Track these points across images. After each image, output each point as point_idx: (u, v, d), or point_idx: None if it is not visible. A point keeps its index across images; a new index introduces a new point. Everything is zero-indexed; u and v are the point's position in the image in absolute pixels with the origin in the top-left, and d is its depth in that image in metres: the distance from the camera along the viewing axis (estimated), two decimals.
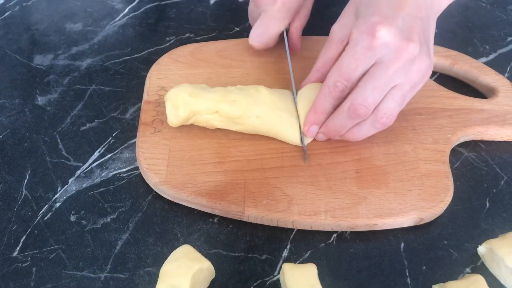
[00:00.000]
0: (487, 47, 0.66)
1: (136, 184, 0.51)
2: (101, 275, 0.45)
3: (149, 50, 0.64)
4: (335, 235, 0.48)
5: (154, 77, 0.57)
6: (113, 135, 0.55)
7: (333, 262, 0.46)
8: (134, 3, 0.71)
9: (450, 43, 0.64)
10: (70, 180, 0.51)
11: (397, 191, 0.48)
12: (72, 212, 0.49)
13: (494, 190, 0.51)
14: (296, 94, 0.53)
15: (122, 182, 0.51)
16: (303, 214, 0.47)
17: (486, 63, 0.62)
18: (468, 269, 0.46)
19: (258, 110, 0.50)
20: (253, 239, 0.48)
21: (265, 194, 0.48)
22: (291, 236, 0.48)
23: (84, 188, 0.51)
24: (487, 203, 0.51)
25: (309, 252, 0.47)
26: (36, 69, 0.62)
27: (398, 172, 0.50)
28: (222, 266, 0.46)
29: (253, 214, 0.47)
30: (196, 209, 0.49)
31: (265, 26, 0.56)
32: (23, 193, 0.50)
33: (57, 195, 0.50)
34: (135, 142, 0.54)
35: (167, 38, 0.66)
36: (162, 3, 0.71)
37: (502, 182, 0.52)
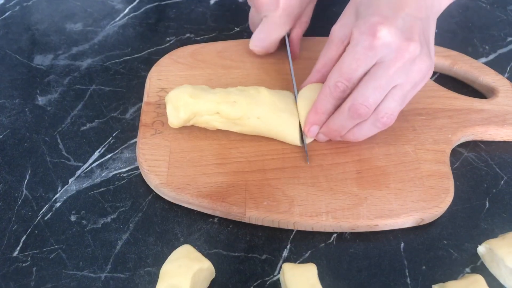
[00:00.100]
0: (487, 47, 0.66)
1: (136, 184, 0.51)
2: (101, 275, 0.45)
3: (149, 50, 0.64)
4: (335, 235, 0.48)
5: (154, 78, 0.57)
6: (113, 135, 0.55)
7: (333, 262, 0.47)
8: (134, 3, 0.71)
9: (450, 43, 0.64)
10: (70, 180, 0.52)
11: (398, 192, 0.49)
12: (73, 212, 0.49)
13: (494, 190, 0.52)
14: (297, 93, 0.53)
15: (122, 182, 0.52)
16: (304, 215, 0.47)
17: (486, 63, 0.62)
18: (468, 269, 0.46)
19: (258, 111, 0.50)
20: (253, 239, 0.48)
21: (266, 196, 0.48)
22: (291, 236, 0.48)
23: (85, 188, 0.51)
24: (487, 203, 0.51)
25: (309, 252, 0.47)
26: (37, 69, 0.62)
27: (399, 173, 0.50)
28: (222, 266, 0.46)
29: (254, 215, 0.47)
30: (196, 209, 0.49)
31: (267, 32, 0.56)
32: (24, 193, 0.50)
33: (57, 195, 0.50)
34: (135, 142, 0.54)
35: (167, 38, 0.66)
36: (162, 3, 0.71)
37: (502, 182, 0.52)
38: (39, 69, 0.62)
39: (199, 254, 0.42)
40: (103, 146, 0.54)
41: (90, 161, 0.53)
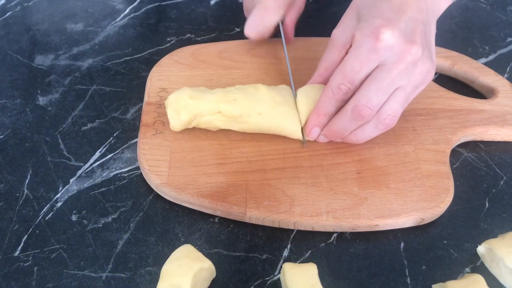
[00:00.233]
0: (486, 47, 0.66)
1: (137, 184, 0.52)
2: (102, 274, 0.45)
3: (150, 51, 0.64)
4: (335, 235, 0.48)
5: (155, 78, 0.57)
6: (114, 135, 0.55)
7: (333, 261, 0.47)
8: (135, 4, 0.71)
9: (450, 43, 0.65)
10: (71, 180, 0.52)
11: (398, 192, 0.49)
12: (74, 211, 0.49)
13: (494, 190, 0.52)
14: (295, 91, 0.53)
15: (123, 182, 0.52)
16: (304, 215, 0.47)
17: (486, 64, 0.62)
18: (467, 269, 0.46)
19: (258, 107, 0.51)
20: (254, 239, 0.48)
21: (267, 195, 0.48)
22: (292, 236, 0.48)
23: (85, 188, 0.51)
24: (487, 203, 0.51)
25: (309, 251, 0.47)
26: (37, 69, 0.62)
27: (399, 173, 0.50)
28: (223, 266, 0.46)
29: (255, 215, 0.47)
30: (197, 209, 0.50)
31: (261, 17, 0.57)
32: (25, 193, 0.51)
33: (58, 195, 0.50)
34: (136, 142, 0.54)
35: (168, 39, 0.66)
36: (163, 3, 0.71)
37: (502, 182, 0.52)
38: (40, 69, 0.62)
39: (199, 254, 0.43)
40: (104, 146, 0.54)
41: (91, 161, 0.53)
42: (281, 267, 0.46)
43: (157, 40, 0.66)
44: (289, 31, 0.59)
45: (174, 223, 0.49)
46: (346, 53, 0.48)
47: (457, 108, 0.56)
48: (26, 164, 0.53)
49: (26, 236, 0.48)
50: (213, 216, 0.49)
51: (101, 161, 0.53)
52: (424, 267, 0.46)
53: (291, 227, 0.48)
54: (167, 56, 0.60)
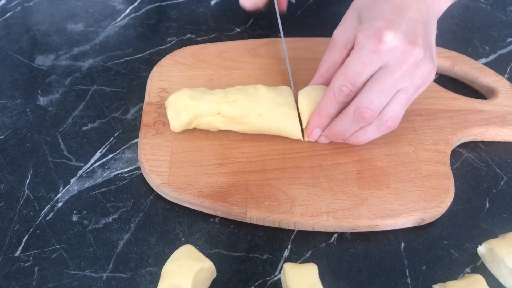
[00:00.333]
0: (487, 48, 0.66)
1: (138, 184, 0.52)
2: (103, 274, 0.45)
3: (150, 51, 0.64)
4: (335, 235, 0.48)
5: (156, 79, 0.58)
6: (115, 135, 0.55)
7: (333, 262, 0.47)
8: (135, 4, 0.71)
9: (450, 44, 0.65)
10: (72, 180, 0.52)
11: (398, 192, 0.49)
12: (74, 212, 0.49)
13: (494, 191, 0.52)
14: (297, 92, 0.53)
15: (124, 182, 0.52)
16: (305, 215, 0.47)
17: (486, 64, 0.62)
18: (468, 269, 0.46)
19: (259, 108, 0.51)
20: (254, 239, 0.48)
21: (267, 196, 0.48)
22: (292, 236, 0.48)
23: (86, 188, 0.51)
24: (487, 203, 0.51)
25: (310, 252, 0.47)
26: (38, 70, 0.62)
27: (399, 173, 0.50)
28: (224, 266, 0.46)
29: (255, 215, 0.47)
30: (197, 209, 0.50)
31: None
32: (25, 193, 0.51)
33: (59, 195, 0.51)
34: (136, 143, 0.54)
35: (168, 39, 0.66)
36: (163, 3, 0.71)
37: (502, 182, 0.52)
38: (40, 70, 0.62)
39: (200, 254, 0.43)
40: (104, 146, 0.55)
41: (92, 161, 0.53)
42: (281, 267, 0.46)
43: (158, 40, 0.66)
44: (283, 1, 0.59)
45: (174, 223, 0.49)
46: (348, 53, 0.48)
47: (457, 109, 0.56)
48: (26, 164, 0.53)
49: (26, 236, 0.48)
50: (214, 216, 0.49)
51: (102, 161, 0.53)
52: (424, 267, 0.46)
53: (292, 227, 0.48)
54: (167, 56, 0.60)
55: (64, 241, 0.47)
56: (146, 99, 0.56)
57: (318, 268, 0.42)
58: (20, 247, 0.47)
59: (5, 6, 0.70)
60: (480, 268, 0.46)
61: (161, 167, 0.50)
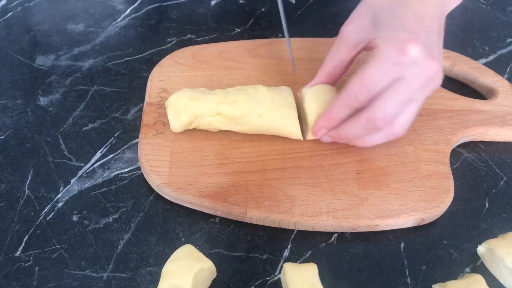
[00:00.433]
0: (486, 48, 0.66)
1: (138, 184, 0.52)
2: (103, 274, 0.45)
3: (150, 51, 0.64)
4: (335, 235, 0.48)
5: (156, 79, 0.58)
6: (115, 135, 0.56)
7: (333, 261, 0.47)
8: (136, 4, 0.71)
9: (450, 44, 0.65)
10: (72, 180, 0.52)
11: (398, 192, 0.49)
12: (75, 212, 0.49)
13: (494, 191, 0.52)
14: (302, 92, 0.52)
15: (124, 182, 0.52)
16: (305, 215, 0.47)
17: (485, 64, 0.62)
18: (467, 269, 0.46)
19: (259, 109, 0.51)
20: (254, 239, 0.48)
21: (267, 196, 0.48)
22: (292, 236, 0.48)
23: (86, 188, 0.51)
24: (487, 203, 0.51)
25: (310, 252, 0.47)
26: (38, 70, 0.62)
27: (399, 173, 0.50)
28: (224, 266, 0.46)
29: (255, 215, 0.47)
30: (197, 209, 0.50)
31: None
32: (26, 193, 0.51)
33: (59, 195, 0.51)
34: (137, 143, 0.54)
35: (169, 39, 0.66)
36: (164, 4, 0.71)
37: (502, 182, 0.52)
38: (41, 70, 0.62)
39: (200, 254, 0.43)
40: (105, 146, 0.55)
41: (92, 161, 0.53)
42: (281, 267, 0.46)
43: (158, 40, 0.66)
44: None
45: (175, 223, 0.49)
46: (357, 53, 0.47)
47: (457, 109, 0.56)
48: (27, 165, 0.53)
49: (27, 236, 0.48)
50: (214, 216, 0.49)
51: (102, 161, 0.53)
52: (424, 267, 0.46)
53: (292, 227, 0.48)
54: (167, 56, 0.60)
55: (65, 241, 0.47)
56: (147, 99, 0.56)
57: (318, 268, 0.43)
58: (21, 247, 0.47)
59: (6, 6, 0.70)
60: (479, 268, 0.46)
61: (162, 167, 0.50)
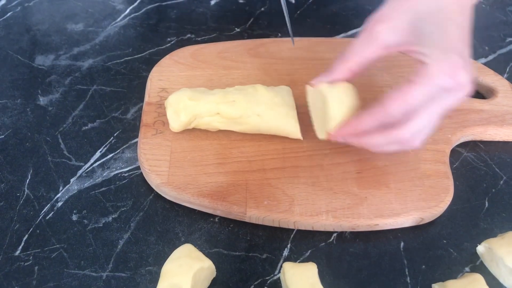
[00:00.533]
0: (486, 48, 0.66)
1: (138, 183, 0.52)
2: (103, 274, 0.45)
3: (150, 51, 0.64)
4: (335, 234, 0.48)
5: (155, 78, 0.58)
6: (115, 135, 0.56)
7: (333, 261, 0.47)
8: (135, 4, 0.71)
9: None
10: (71, 180, 0.52)
11: (398, 192, 0.49)
12: (74, 211, 0.49)
13: (493, 190, 0.52)
14: (319, 88, 0.49)
15: (124, 181, 0.52)
16: (304, 214, 0.47)
17: (485, 64, 0.62)
18: (467, 268, 0.46)
19: (258, 109, 0.51)
20: (254, 239, 0.48)
21: (267, 195, 0.48)
22: (292, 236, 0.48)
23: (86, 188, 0.51)
24: (486, 202, 0.51)
25: (309, 251, 0.47)
26: (38, 70, 0.62)
27: (399, 173, 0.50)
28: (223, 265, 0.46)
29: (255, 214, 0.47)
30: (197, 209, 0.50)
31: None
32: (25, 193, 0.51)
33: (59, 195, 0.51)
34: (136, 142, 0.54)
35: (168, 39, 0.66)
36: (163, 4, 0.71)
37: (501, 182, 0.52)
38: (40, 70, 0.62)
39: (200, 254, 0.43)
40: (104, 146, 0.55)
41: (92, 161, 0.53)
42: (281, 266, 0.46)
43: (158, 40, 0.66)
44: None
45: (174, 223, 0.49)
46: (387, 54, 0.44)
47: (456, 108, 0.56)
48: (26, 164, 0.53)
49: (26, 236, 0.48)
50: (213, 216, 0.49)
51: (102, 161, 0.53)
52: (423, 266, 0.46)
53: (291, 227, 0.48)
54: (167, 56, 0.60)
55: (64, 241, 0.47)
56: (146, 99, 0.56)
57: (318, 268, 0.43)
58: (20, 247, 0.47)
59: (5, 6, 0.70)
60: (479, 268, 0.46)
61: (161, 166, 0.50)
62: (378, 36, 0.44)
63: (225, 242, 0.48)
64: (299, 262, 0.46)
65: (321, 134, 0.49)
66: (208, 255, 0.43)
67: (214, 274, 0.45)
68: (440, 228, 0.49)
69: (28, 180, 0.52)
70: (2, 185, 0.51)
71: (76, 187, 0.51)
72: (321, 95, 0.47)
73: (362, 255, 0.47)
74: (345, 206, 0.48)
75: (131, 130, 0.56)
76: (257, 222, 0.48)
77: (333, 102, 0.46)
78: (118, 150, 0.54)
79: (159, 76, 0.58)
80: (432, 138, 0.53)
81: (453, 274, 0.46)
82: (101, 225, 0.49)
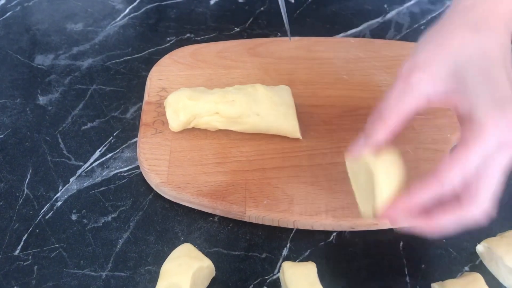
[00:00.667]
0: None
1: (137, 183, 0.52)
2: (102, 273, 0.45)
3: (149, 50, 0.64)
4: (334, 234, 0.48)
5: (155, 78, 0.58)
6: (114, 134, 0.56)
7: (332, 260, 0.47)
8: (135, 4, 0.71)
9: None
10: (71, 179, 0.52)
11: None
12: (73, 211, 0.49)
13: None
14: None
15: (123, 181, 0.52)
16: (304, 214, 0.47)
17: None
18: (467, 268, 0.46)
19: (257, 108, 0.51)
20: (253, 238, 0.48)
21: (266, 194, 0.48)
22: (291, 235, 0.48)
23: (85, 187, 0.51)
24: None
25: (308, 250, 0.47)
26: (37, 69, 0.62)
27: None
28: (223, 265, 0.46)
29: (254, 214, 0.47)
30: (196, 208, 0.50)
31: None
32: (25, 192, 0.51)
33: (58, 194, 0.51)
34: (136, 142, 0.54)
35: (168, 38, 0.66)
36: (163, 3, 0.71)
37: None
38: (40, 69, 0.62)
39: (199, 253, 0.43)
40: (104, 145, 0.55)
41: (91, 160, 0.53)
42: (280, 266, 0.46)
43: (157, 40, 0.66)
44: None
45: (173, 222, 0.49)
46: (426, 104, 0.40)
47: None
48: (26, 164, 0.53)
49: (26, 235, 0.48)
50: (213, 215, 0.49)
51: (101, 160, 0.53)
52: (423, 266, 0.46)
53: (291, 226, 0.48)
54: (166, 55, 0.60)
55: (64, 240, 0.47)
56: (146, 98, 0.56)
57: (317, 267, 0.43)
58: (20, 246, 0.47)
59: (5, 5, 0.70)
60: (478, 267, 0.46)
61: (160, 166, 0.50)
62: (417, 86, 0.39)
63: (224, 242, 0.48)
64: (298, 262, 0.46)
65: (367, 210, 0.42)
66: (207, 254, 0.43)
67: (213, 273, 0.45)
68: None
69: (27, 180, 0.52)
70: (1, 184, 0.51)
71: (75, 187, 0.51)
72: (365, 166, 0.41)
73: (362, 255, 0.47)
74: (344, 206, 0.48)
75: (130, 130, 0.56)
76: (256, 222, 0.48)
77: (382, 175, 0.40)
78: (118, 150, 0.54)
79: (159, 76, 0.58)
80: (431, 137, 0.53)
81: (453, 273, 0.46)
82: (101, 224, 0.49)
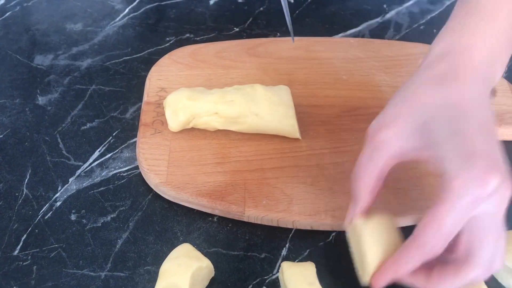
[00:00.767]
0: None
1: (136, 183, 0.52)
2: (101, 273, 0.45)
3: (149, 50, 0.64)
4: (334, 234, 0.48)
5: (154, 78, 0.58)
6: (114, 134, 0.56)
7: (332, 261, 0.47)
8: (134, 4, 0.71)
9: None
10: (70, 179, 0.52)
11: (397, 191, 0.49)
12: (73, 211, 0.49)
13: None
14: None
15: (122, 181, 0.52)
16: (303, 214, 0.47)
17: None
18: None
19: (256, 108, 0.51)
20: (252, 238, 0.48)
21: (265, 194, 0.48)
22: (290, 235, 0.48)
23: (85, 187, 0.51)
24: None
25: (308, 250, 0.47)
26: (37, 69, 0.62)
27: (397, 172, 0.50)
28: (222, 265, 0.46)
29: (253, 214, 0.47)
30: (195, 208, 0.50)
31: None
32: (24, 192, 0.51)
33: (57, 194, 0.51)
34: (135, 142, 0.54)
35: (167, 38, 0.66)
36: (162, 3, 0.71)
37: None
38: (39, 69, 0.62)
39: (198, 253, 0.43)
40: (103, 145, 0.55)
41: (90, 160, 0.53)
42: (279, 266, 0.46)
43: (156, 40, 0.66)
44: None
45: (173, 222, 0.49)
46: (397, 162, 0.40)
47: None
48: (25, 164, 0.53)
49: (25, 235, 0.48)
50: (212, 215, 0.49)
51: (100, 160, 0.53)
52: None
53: (290, 226, 0.48)
54: (166, 55, 0.60)
55: (63, 240, 0.47)
56: (145, 98, 0.56)
57: (316, 267, 0.43)
58: (19, 246, 0.47)
59: (4, 6, 0.70)
60: None
61: (160, 166, 0.50)
62: (384, 145, 0.38)
63: (223, 242, 0.48)
64: (297, 262, 0.46)
65: (363, 276, 0.41)
66: (206, 254, 0.43)
67: (212, 273, 0.45)
68: None
69: (26, 180, 0.52)
70: (0, 184, 0.51)
71: (74, 187, 0.51)
72: (355, 234, 0.42)
73: None
74: (343, 206, 0.48)
75: (129, 130, 0.56)
76: (255, 222, 0.48)
77: (369, 243, 0.40)
78: (117, 150, 0.54)
79: (158, 76, 0.58)
80: None
81: None
82: (100, 224, 0.49)
